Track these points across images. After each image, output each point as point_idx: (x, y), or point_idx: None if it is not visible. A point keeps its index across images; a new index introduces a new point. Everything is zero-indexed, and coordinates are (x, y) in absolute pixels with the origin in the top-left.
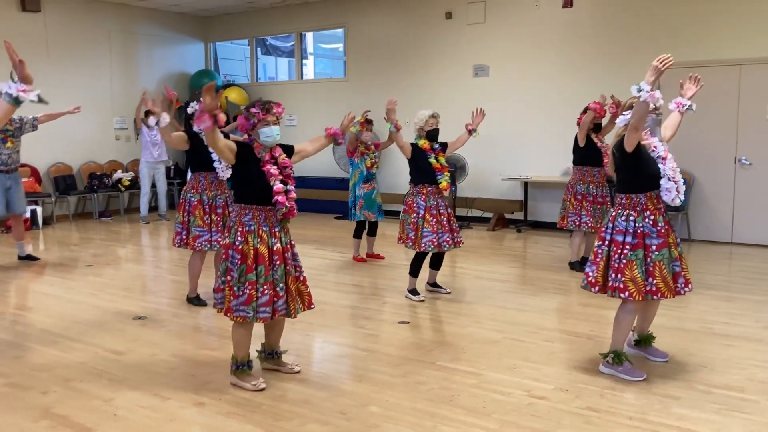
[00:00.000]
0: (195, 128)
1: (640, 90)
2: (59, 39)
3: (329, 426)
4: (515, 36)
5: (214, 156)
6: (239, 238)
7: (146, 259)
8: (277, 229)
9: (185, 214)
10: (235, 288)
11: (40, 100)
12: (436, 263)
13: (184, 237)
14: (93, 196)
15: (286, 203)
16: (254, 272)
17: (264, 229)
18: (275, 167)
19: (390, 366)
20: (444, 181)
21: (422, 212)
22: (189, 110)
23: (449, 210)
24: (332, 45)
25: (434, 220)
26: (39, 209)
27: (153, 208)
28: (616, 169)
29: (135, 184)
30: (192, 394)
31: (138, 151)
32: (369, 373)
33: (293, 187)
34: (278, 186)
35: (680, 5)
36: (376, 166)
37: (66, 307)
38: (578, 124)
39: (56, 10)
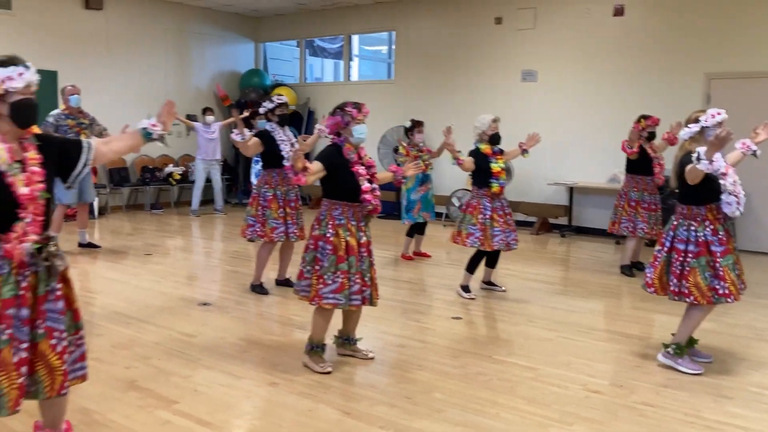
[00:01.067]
0: (266, 126)
1: (699, 159)
2: (119, 36)
3: (397, 408)
4: (565, 42)
5: (285, 154)
6: (330, 231)
7: (201, 250)
8: (362, 224)
9: (259, 207)
10: (325, 276)
11: (162, 139)
12: (492, 262)
13: (258, 229)
14: (145, 188)
15: (373, 201)
16: (346, 262)
17: (352, 223)
18: (363, 167)
19: (448, 357)
20: (497, 186)
21: (489, 213)
22: (261, 110)
23: (509, 210)
24: (376, 47)
25: (502, 220)
26: (95, 200)
27: (203, 202)
28: (678, 179)
29: (185, 178)
30: (264, 374)
31: (189, 146)
32: (429, 363)
33: (377, 186)
34: (366, 185)
35: (732, 14)
36: (430, 167)
37: (134, 292)
38: (632, 131)
39: (117, 9)
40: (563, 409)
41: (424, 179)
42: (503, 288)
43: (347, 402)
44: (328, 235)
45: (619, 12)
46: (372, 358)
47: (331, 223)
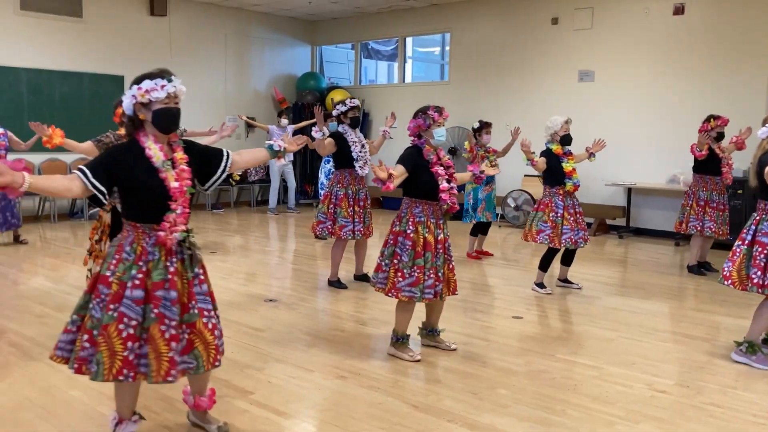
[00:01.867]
0: (339, 128)
1: None
2: (181, 41)
3: (463, 403)
4: (623, 42)
5: (354, 155)
6: (410, 227)
7: (263, 248)
8: (441, 221)
9: (330, 206)
10: (405, 270)
11: (283, 153)
12: (567, 260)
13: (329, 226)
14: None
15: (449, 200)
16: (422, 258)
17: (431, 220)
18: (442, 168)
19: (511, 355)
20: (570, 185)
21: (561, 211)
22: (334, 113)
23: (580, 209)
24: (428, 48)
25: (572, 218)
26: None
27: (261, 202)
28: (758, 177)
29: (244, 179)
30: (333, 368)
31: (248, 147)
32: (492, 361)
33: (455, 185)
34: (444, 185)
35: None
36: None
37: None
38: (700, 131)
39: (180, 15)
40: (629, 408)
41: (489, 179)
42: (579, 285)
43: (414, 396)
44: (409, 231)
45: (679, 11)
46: (455, 350)
47: (411, 220)
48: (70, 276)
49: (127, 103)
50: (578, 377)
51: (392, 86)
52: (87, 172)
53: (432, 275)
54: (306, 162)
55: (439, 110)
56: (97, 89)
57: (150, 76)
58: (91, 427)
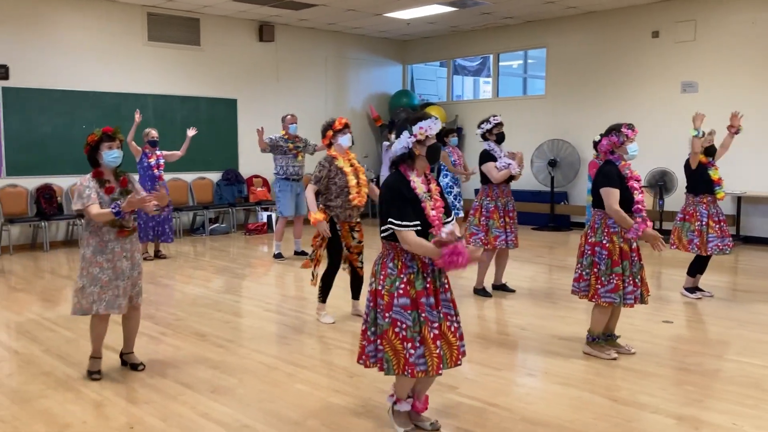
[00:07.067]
0: (485, 146)
1: None
2: (287, 65)
3: (658, 398)
4: (728, 53)
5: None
6: (606, 238)
7: None
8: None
9: (482, 218)
10: (603, 278)
11: None
12: (701, 268)
13: (481, 237)
14: None
15: (643, 212)
16: (620, 266)
17: (624, 230)
18: (636, 182)
19: (680, 356)
20: (721, 192)
21: (705, 219)
22: (478, 131)
23: (723, 217)
24: (506, 62)
25: (717, 226)
26: (273, 215)
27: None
28: None
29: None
30: (518, 367)
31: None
32: (665, 361)
33: (643, 197)
34: (639, 197)
35: None
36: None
37: (337, 299)
38: None
39: (286, 40)
40: None
41: None
42: (711, 293)
43: (608, 391)
44: (605, 241)
45: None
46: (634, 353)
47: (606, 231)
48: (228, 285)
49: (406, 141)
50: (755, 375)
51: (485, 101)
52: (404, 224)
53: (631, 282)
54: None
55: (631, 127)
56: (213, 112)
57: (421, 117)
58: (325, 414)
